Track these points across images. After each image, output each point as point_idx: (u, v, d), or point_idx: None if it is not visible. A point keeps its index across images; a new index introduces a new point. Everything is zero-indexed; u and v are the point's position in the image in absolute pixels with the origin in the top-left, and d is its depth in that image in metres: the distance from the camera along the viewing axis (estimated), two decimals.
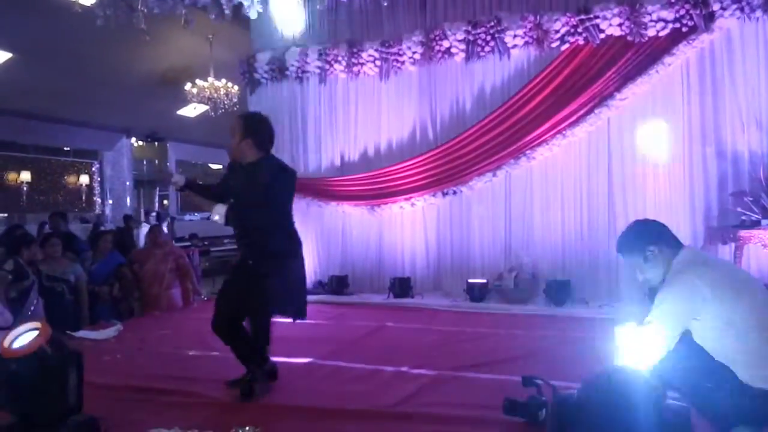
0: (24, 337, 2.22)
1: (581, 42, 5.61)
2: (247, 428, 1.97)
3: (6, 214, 10.94)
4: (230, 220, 3.01)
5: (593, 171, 5.74)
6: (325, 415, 2.76)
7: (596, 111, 5.59)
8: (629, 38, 5.44)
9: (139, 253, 6.07)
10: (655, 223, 2.43)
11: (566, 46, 5.67)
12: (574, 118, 5.64)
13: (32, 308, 4.43)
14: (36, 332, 2.20)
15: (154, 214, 12.93)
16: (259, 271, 3.02)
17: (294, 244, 3.22)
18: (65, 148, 12.32)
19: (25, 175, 11.27)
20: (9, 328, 3.97)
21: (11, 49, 8.41)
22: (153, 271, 5.68)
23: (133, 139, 13.32)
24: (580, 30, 5.57)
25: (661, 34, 5.35)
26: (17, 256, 4.50)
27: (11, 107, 9.98)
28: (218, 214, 3.00)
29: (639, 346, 2.12)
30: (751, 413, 2.03)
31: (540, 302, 5.50)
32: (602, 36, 5.52)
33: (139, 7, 5.66)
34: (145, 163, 13.96)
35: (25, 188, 11.25)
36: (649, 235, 2.33)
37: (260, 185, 2.98)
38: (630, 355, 2.15)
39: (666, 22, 5.30)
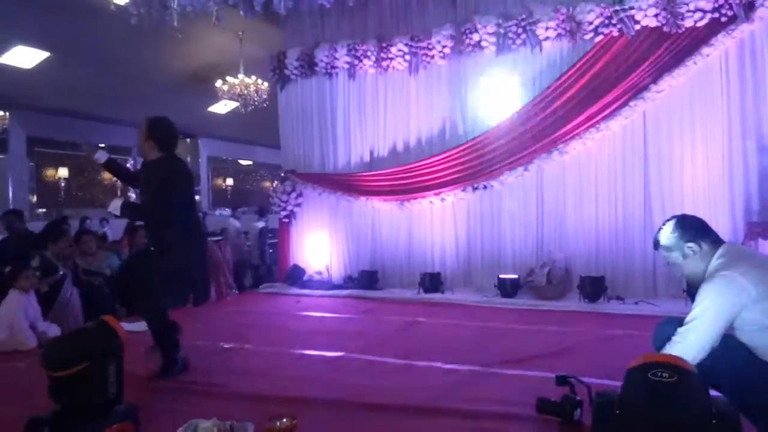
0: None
1: (615, 33, 5.50)
2: (283, 419, 1.99)
3: (45, 209, 11.25)
4: (127, 212, 3.33)
5: (628, 165, 5.63)
6: (359, 408, 2.78)
7: (631, 104, 5.48)
8: (665, 29, 5.31)
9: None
10: (693, 219, 2.36)
11: (600, 37, 5.56)
12: (608, 111, 5.53)
13: (67, 300, 4.55)
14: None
15: (200, 212, 13.15)
16: (153, 259, 3.31)
17: (188, 238, 3.35)
18: (101, 145, 12.58)
19: (63, 172, 11.57)
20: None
21: (49, 49, 8.62)
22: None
23: None
24: (614, 21, 5.46)
25: (699, 24, 5.21)
26: (44, 251, 4.62)
27: (49, 105, 10.25)
28: (114, 206, 3.24)
29: (680, 344, 2.06)
30: None
31: (573, 298, 5.43)
32: (637, 27, 5.40)
33: (172, 5, 5.74)
34: None
35: (62, 184, 11.56)
36: (687, 231, 2.26)
37: (155, 182, 3.25)
38: (672, 354, 2.10)
39: (704, 12, 5.16)
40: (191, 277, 3.43)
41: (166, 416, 2.61)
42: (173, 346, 3.36)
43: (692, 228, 2.28)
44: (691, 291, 2.31)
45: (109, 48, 8.54)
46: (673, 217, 2.40)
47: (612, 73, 5.54)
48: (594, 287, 5.32)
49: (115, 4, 5.95)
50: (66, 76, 9.14)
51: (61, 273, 4.66)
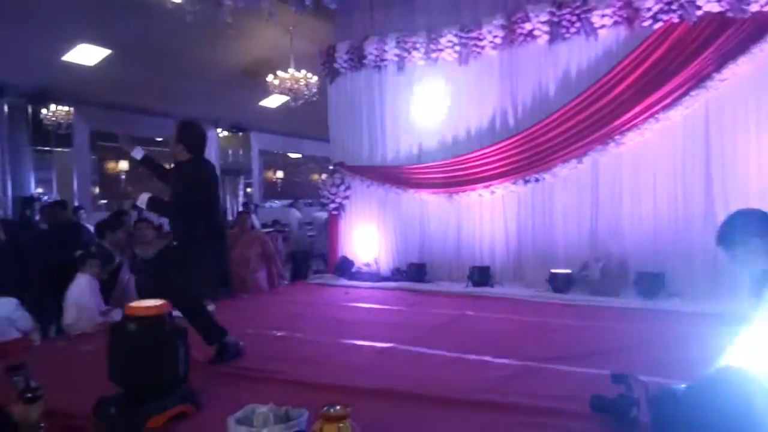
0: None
1: (676, 20, 5.26)
2: (337, 407, 2.03)
3: (105, 201, 11.78)
4: (153, 206, 3.53)
5: (689, 156, 5.40)
6: (410, 398, 2.80)
7: (693, 93, 5.24)
8: (729, 14, 5.04)
9: (228, 239, 6.35)
10: (758, 212, 2.25)
11: (659, 24, 5.34)
12: (668, 100, 5.32)
13: (125, 286, 4.75)
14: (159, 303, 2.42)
15: (252, 204, 13.49)
16: (175, 254, 3.53)
17: (209, 237, 3.49)
18: (158, 139, 13.05)
19: (123, 164, 12.08)
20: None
21: (110, 46, 8.99)
22: (240, 256, 5.94)
23: (219, 130, 13.92)
24: (674, 7, 5.22)
25: (766, 9, 4.92)
26: (102, 241, 4.83)
27: (110, 101, 10.71)
28: (141, 200, 3.49)
29: (748, 346, 1.98)
30: None
31: (629, 295, 5.26)
32: (699, 13, 5.15)
33: (226, 1, 5.87)
34: (230, 152, 14.55)
35: (122, 176, 12.06)
36: (752, 226, 2.16)
37: (182, 182, 3.46)
38: (739, 356, 2.02)
39: None
40: (212, 273, 3.55)
41: (224, 400, 2.70)
42: (215, 331, 3.46)
43: (757, 222, 2.18)
44: (754, 288, 2.21)
45: (166, 45, 8.84)
46: (737, 211, 2.30)
47: (672, 62, 5.31)
48: (652, 284, 5.14)
49: (172, 2, 6.15)
50: (126, 72, 9.52)
51: (118, 260, 4.86)
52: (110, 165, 11.96)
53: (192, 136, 3.57)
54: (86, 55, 9.03)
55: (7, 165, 9.54)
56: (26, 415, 1.75)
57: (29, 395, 1.76)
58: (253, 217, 10.50)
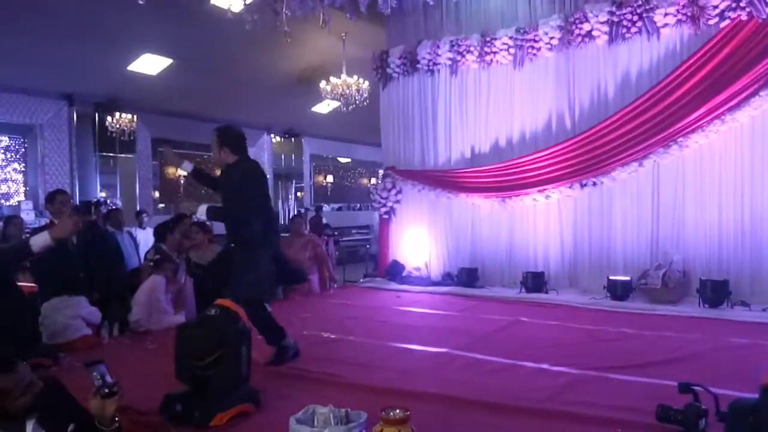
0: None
1: (744, 17, 5.05)
2: (397, 411, 2.03)
3: (164, 204, 12.22)
4: (211, 214, 3.58)
5: (757, 159, 5.16)
6: (466, 405, 2.77)
7: (762, 93, 5.02)
8: None
9: (281, 242, 6.46)
10: None
11: (726, 22, 5.14)
12: (734, 101, 5.10)
13: (181, 288, 4.88)
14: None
15: (310, 209, 13.76)
16: (235, 256, 3.55)
17: (264, 236, 3.52)
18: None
19: (182, 170, 12.49)
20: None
21: (171, 56, 9.34)
22: (293, 258, 6.03)
23: (272, 135, 14.23)
24: (743, 4, 5.02)
25: None
26: (160, 244, 4.99)
27: (171, 108, 11.13)
28: (201, 212, 3.59)
29: None
30: None
31: (692, 303, 5.07)
32: None
33: (283, 10, 6.01)
34: (282, 157, 14.84)
35: (182, 181, 12.48)
36: None
37: (231, 184, 3.49)
38: None
39: None
40: (271, 273, 3.60)
41: (282, 400, 2.75)
42: (276, 333, 3.53)
43: None
44: None
45: (224, 53, 9.11)
46: None
47: (739, 61, 5.09)
48: (716, 291, 4.94)
49: (231, 12, 6.33)
50: (186, 80, 9.87)
51: (177, 262, 5.00)
52: (170, 170, 12.40)
53: (233, 137, 3.63)
54: (149, 64, 9.42)
55: (75, 171, 10.05)
56: (102, 410, 1.83)
57: (106, 390, 1.83)
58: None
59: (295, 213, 11.17)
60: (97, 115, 10.22)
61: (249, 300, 3.39)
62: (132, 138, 10.65)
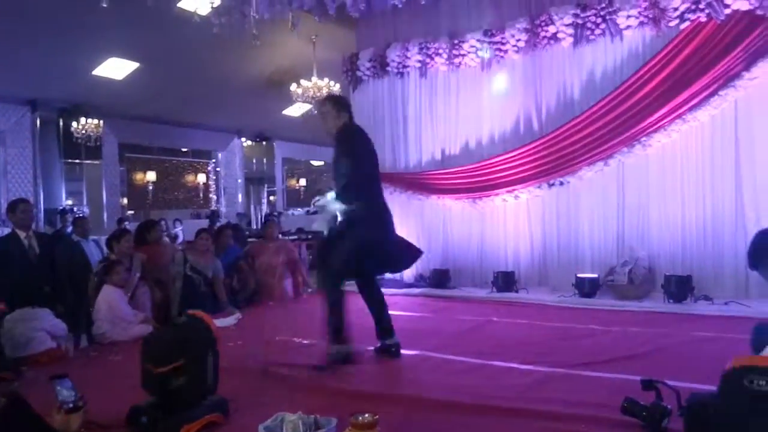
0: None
1: (703, 19, 5.18)
2: (366, 415, 2.03)
3: (133, 211, 12.02)
4: (342, 199, 3.47)
5: (718, 157, 5.30)
6: (437, 406, 2.78)
7: (721, 92, 5.15)
8: (759, 12, 4.95)
9: (254, 247, 6.43)
10: None
11: (686, 24, 5.26)
12: (695, 101, 5.24)
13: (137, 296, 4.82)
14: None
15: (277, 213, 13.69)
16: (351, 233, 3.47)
17: (378, 207, 3.59)
18: (184, 150, 13.30)
19: (151, 175, 12.31)
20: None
21: (138, 60, 9.19)
22: (267, 264, 6.01)
23: (244, 139, 14.11)
24: (702, 6, 5.15)
25: None
26: (110, 253, 4.93)
27: (138, 113, 10.95)
28: (333, 207, 3.49)
29: None
30: None
31: (657, 298, 5.18)
32: (727, 11, 5.06)
33: (251, 13, 5.96)
34: (254, 161, 14.73)
35: (150, 187, 12.29)
36: None
37: (350, 145, 3.54)
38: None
39: None
40: (387, 244, 3.61)
41: (253, 409, 2.73)
42: (336, 331, 3.53)
43: None
44: None
45: (192, 57, 9.00)
46: (761, 231, 2.29)
47: (700, 61, 5.23)
48: (680, 287, 5.06)
49: (198, 16, 6.27)
50: (153, 85, 9.72)
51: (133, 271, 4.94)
52: (138, 176, 12.20)
53: (341, 98, 3.72)
54: (115, 69, 9.25)
55: (39, 178, 9.81)
56: (67, 425, 1.79)
57: (71, 405, 1.80)
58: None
59: (268, 217, 11.08)
60: (61, 120, 10.00)
61: (334, 287, 3.49)
62: (98, 144, 10.45)
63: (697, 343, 3.81)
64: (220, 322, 4.79)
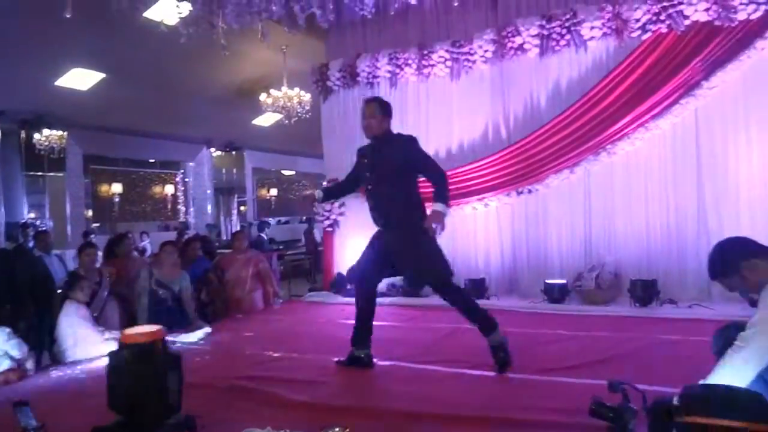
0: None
1: (664, 30, 5.34)
2: (336, 429, 2.01)
3: (99, 224, 11.74)
4: (447, 200, 3.49)
5: (680, 164, 5.45)
6: (410, 418, 2.77)
7: (682, 101, 5.31)
8: (717, 23, 5.13)
9: (223, 259, 6.34)
10: (739, 239, 2.33)
11: (648, 35, 5.42)
12: (657, 109, 5.38)
13: (101, 310, 4.71)
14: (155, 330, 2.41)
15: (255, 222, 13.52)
16: (420, 239, 3.46)
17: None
18: (151, 161, 13.08)
19: (117, 187, 12.07)
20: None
21: (103, 70, 9.03)
22: (236, 276, 5.93)
23: (213, 149, 13.95)
24: (662, 17, 5.31)
25: (753, 17, 5.01)
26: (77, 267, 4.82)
27: (104, 124, 10.74)
28: (444, 210, 3.43)
29: (741, 352, 1.98)
30: None
31: (624, 303, 5.27)
32: (687, 23, 5.23)
33: (220, 23, 5.91)
34: (224, 171, 14.57)
35: (116, 199, 12.04)
36: (738, 253, 2.20)
37: (412, 149, 3.54)
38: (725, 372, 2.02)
39: (758, 4, 4.95)
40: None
41: (222, 425, 2.67)
42: (487, 323, 3.47)
43: (743, 248, 2.23)
44: (753, 300, 2.22)
45: (159, 67, 8.89)
46: (719, 243, 2.35)
47: (661, 71, 5.38)
48: (645, 291, 5.16)
49: (165, 25, 6.19)
50: (119, 95, 9.56)
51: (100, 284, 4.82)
52: (103, 188, 11.94)
53: (388, 103, 3.67)
54: (80, 79, 9.07)
55: (0, 191, 9.52)
56: None
57: None
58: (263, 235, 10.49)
59: (237, 228, 10.96)
60: (23, 132, 9.74)
61: (450, 285, 3.42)
62: (62, 155, 10.20)
63: (663, 347, 3.88)
64: (188, 337, 4.73)
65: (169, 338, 4.60)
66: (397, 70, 6.70)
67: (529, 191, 5.98)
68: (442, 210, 3.41)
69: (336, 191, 4.22)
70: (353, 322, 3.93)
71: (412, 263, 3.50)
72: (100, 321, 4.57)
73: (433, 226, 3.35)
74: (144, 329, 2.53)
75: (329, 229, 7.34)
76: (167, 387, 2.30)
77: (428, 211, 3.45)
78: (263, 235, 8.84)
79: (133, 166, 12.71)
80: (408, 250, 3.46)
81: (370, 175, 3.59)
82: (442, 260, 3.52)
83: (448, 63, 6.39)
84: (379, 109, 3.60)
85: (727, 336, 2.15)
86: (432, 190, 3.54)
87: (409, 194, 3.56)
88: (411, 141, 3.59)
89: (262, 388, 3.27)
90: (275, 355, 4.16)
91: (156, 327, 2.52)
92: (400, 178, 3.50)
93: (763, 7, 4.95)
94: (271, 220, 15.70)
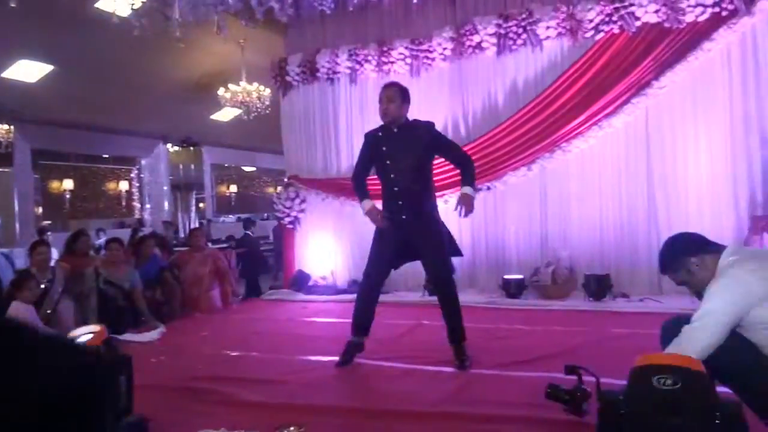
0: (81, 338, 2.32)
1: (616, 31, 5.49)
2: (291, 428, 2.00)
3: (50, 222, 11.32)
4: (474, 182, 3.51)
5: (631, 161, 5.62)
6: (367, 414, 2.77)
7: (633, 101, 5.47)
8: (666, 25, 5.31)
9: (180, 257, 6.20)
10: (688, 234, 2.42)
11: (601, 35, 5.56)
12: (610, 108, 5.53)
13: (53, 310, 4.55)
14: (92, 335, 2.30)
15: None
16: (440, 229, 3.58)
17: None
18: (105, 156, 12.69)
19: (68, 183, 11.65)
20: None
21: (53, 62, 8.69)
22: (193, 274, 5.81)
23: (169, 145, 13.62)
24: (614, 18, 5.46)
25: (700, 19, 5.20)
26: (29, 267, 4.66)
27: (54, 118, 10.33)
28: (472, 192, 3.43)
29: (686, 344, 2.06)
30: None
31: (579, 297, 5.42)
32: (638, 24, 5.39)
33: (174, 15, 5.77)
34: (181, 167, 14.25)
35: (67, 196, 11.62)
36: (687, 248, 2.28)
37: (432, 136, 3.53)
38: (676, 354, 2.09)
39: (705, 6, 5.15)
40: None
41: (175, 427, 2.62)
42: (462, 333, 3.53)
43: (691, 243, 2.30)
44: (700, 294, 2.30)
45: (112, 59, 8.61)
46: (670, 238, 2.43)
47: (614, 71, 5.53)
48: (599, 285, 5.31)
49: (117, 16, 6.00)
50: (70, 88, 9.22)
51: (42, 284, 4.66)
52: (54, 184, 11.51)
53: (408, 92, 3.56)
54: (27, 71, 8.71)
55: None
56: None
57: None
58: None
59: (195, 225, 10.74)
60: None
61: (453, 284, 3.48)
62: (9, 150, 9.78)
63: (615, 340, 4.00)
64: (142, 337, 4.61)
65: (123, 337, 4.53)
66: (357, 66, 6.68)
67: (488, 188, 6.06)
68: (471, 193, 3.42)
69: (365, 186, 3.82)
70: (313, 319, 3.94)
71: (433, 252, 3.51)
72: (53, 320, 4.42)
73: (463, 209, 3.36)
74: (87, 329, 2.44)
75: (290, 226, 7.27)
76: (118, 390, 2.23)
77: (457, 195, 3.47)
78: (250, 233, 8.65)
79: (86, 162, 12.30)
80: (431, 239, 3.49)
81: (389, 165, 3.50)
82: (453, 248, 3.63)
83: (408, 60, 6.41)
84: (399, 94, 3.48)
85: (674, 329, 2.22)
86: (457, 173, 3.65)
87: (429, 182, 3.57)
88: (431, 126, 3.56)
89: (219, 389, 3.22)
90: (233, 354, 4.10)
91: (97, 327, 2.43)
92: (422, 165, 3.49)
93: (709, 10, 5.14)
94: (231, 217, 15.46)
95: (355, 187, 3.75)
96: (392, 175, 3.49)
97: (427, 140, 3.47)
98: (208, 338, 4.61)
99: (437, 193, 6.12)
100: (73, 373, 0.71)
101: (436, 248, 3.49)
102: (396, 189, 3.49)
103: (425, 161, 3.52)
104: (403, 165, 3.45)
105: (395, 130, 3.50)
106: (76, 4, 6.99)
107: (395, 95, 3.45)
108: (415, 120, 3.58)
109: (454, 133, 6.31)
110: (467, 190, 3.42)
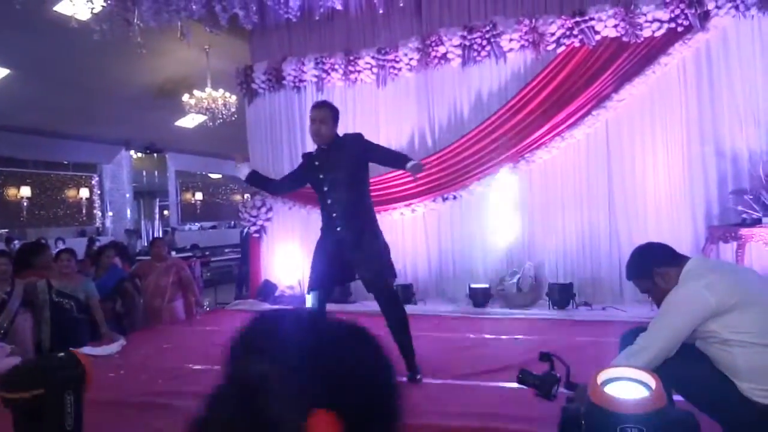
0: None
1: (577, 44, 5.62)
2: None
3: (6, 230, 10.95)
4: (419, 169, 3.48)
5: (593, 172, 5.74)
6: None
7: (594, 113, 5.60)
8: (625, 39, 5.45)
9: (141, 267, 6.05)
10: (656, 245, 2.46)
11: (562, 48, 5.68)
12: (572, 120, 5.64)
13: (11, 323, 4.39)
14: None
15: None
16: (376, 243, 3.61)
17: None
18: (64, 162, 12.34)
19: (25, 191, 11.28)
20: None
21: (9, 66, 8.43)
22: (155, 285, 5.67)
23: (132, 151, 13.33)
24: (575, 32, 5.58)
25: (657, 34, 5.36)
26: None
27: (10, 123, 9.99)
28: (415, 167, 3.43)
29: (637, 355, 2.10)
30: (751, 427, 2.01)
31: (543, 306, 5.49)
32: (598, 37, 5.53)
33: (135, 20, 5.66)
34: (144, 174, 13.95)
35: (25, 203, 11.25)
36: (652, 258, 2.33)
37: (361, 150, 3.56)
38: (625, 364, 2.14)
39: (661, 22, 5.31)
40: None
41: None
42: (411, 351, 3.46)
43: (657, 253, 2.35)
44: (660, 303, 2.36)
45: (72, 63, 8.40)
46: (638, 247, 2.48)
47: (575, 83, 5.65)
48: (562, 294, 5.39)
49: (77, 20, 5.86)
50: (28, 93, 8.95)
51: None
52: (10, 192, 11.13)
53: (338, 111, 3.59)
54: None
55: None
56: None
57: None
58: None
59: (157, 235, 10.51)
60: None
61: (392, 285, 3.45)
62: None
63: (578, 348, 4.04)
64: (101, 350, 4.48)
65: (81, 351, 4.37)
66: (324, 75, 6.67)
67: (454, 198, 6.11)
68: (416, 161, 3.53)
69: (264, 182, 4.18)
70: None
71: (369, 265, 3.53)
72: (9, 333, 4.25)
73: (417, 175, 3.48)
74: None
75: (256, 234, 7.19)
76: (62, 411, 2.15)
77: (408, 165, 3.48)
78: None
79: (45, 168, 11.93)
80: (365, 252, 3.51)
81: (323, 178, 3.55)
82: (391, 263, 3.63)
83: (375, 70, 6.43)
84: (330, 115, 3.55)
85: (630, 341, 2.27)
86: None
87: (363, 195, 3.60)
88: (359, 137, 3.61)
89: (181, 404, 3.14)
90: (196, 367, 4.02)
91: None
92: (354, 180, 3.52)
93: (666, 25, 5.31)
94: (196, 225, 15.21)
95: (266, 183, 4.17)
96: (326, 188, 3.56)
97: (358, 151, 3.53)
98: (170, 351, 4.50)
99: (403, 203, 6.25)
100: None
101: (371, 261, 3.52)
102: (329, 201, 3.56)
103: (359, 173, 3.56)
104: (336, 178, 3.51)
105: (325, 147, 3.58)
106: (34, 6, 6.79)
107: (327, 117, 3.51)
108: (345, 134, 3.65)
109: (421, 143, 6.36)
110: (412, 161, 3.50)
